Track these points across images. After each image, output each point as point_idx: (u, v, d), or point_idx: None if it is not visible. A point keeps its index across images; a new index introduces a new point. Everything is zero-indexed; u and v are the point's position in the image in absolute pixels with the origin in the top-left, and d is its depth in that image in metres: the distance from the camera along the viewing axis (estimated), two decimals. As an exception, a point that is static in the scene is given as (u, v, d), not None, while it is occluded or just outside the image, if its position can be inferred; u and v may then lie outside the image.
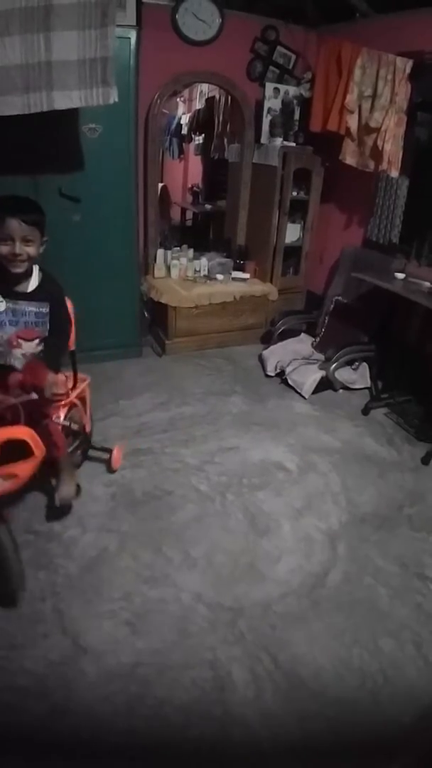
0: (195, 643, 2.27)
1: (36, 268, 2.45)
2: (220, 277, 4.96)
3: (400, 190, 4.33)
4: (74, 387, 2.89)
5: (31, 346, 2.47)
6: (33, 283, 2.43)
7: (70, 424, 2.75)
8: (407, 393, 4.22)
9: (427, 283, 3.98)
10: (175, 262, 4.92)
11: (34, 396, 2.26)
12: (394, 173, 4.16)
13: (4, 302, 2.37)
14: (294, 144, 4.81)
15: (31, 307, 2.42)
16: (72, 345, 2.76)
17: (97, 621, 2.31)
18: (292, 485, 3.29)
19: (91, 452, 3.27)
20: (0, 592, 2.30)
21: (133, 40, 3.69)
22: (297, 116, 4.88)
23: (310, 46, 4.87)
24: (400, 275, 4.14)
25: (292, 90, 4.84)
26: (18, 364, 2.43)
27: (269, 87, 4.77)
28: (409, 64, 3.90)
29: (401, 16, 4.13)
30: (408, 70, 3.92)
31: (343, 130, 4.21)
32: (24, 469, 2.22)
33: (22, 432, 2.22)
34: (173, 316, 4.69)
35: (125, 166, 4.00)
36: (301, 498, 3.18)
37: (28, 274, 2.40)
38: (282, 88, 4.82)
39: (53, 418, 2.53)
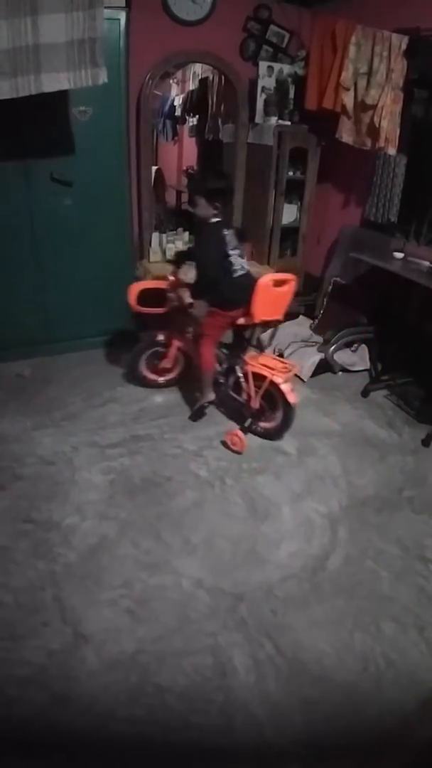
0: (196, 629, 2.26)
1: (211, 221, 3.17)
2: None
3: (398, 168, 4.27)
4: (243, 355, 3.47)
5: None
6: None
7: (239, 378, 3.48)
8: (407, 374, 4.19)
9: (427, 263, 3.94)
10: (170, 245, 4.85)
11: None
12: (392, 151, 4.09)
13: None
14: (289, 123, 4.73)
15: None
16: (254, 318, 3.25)
17: (98, 609, 2.31)
18: (292, 469, 3.28)
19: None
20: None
21: (122, 22, 3.62)
22: (292, 95, 4.79)
23: (304, 24, 4.79)
24: (399, 255, 4.10)
25: (287, 68, 4.76)
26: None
27: (263, 66, 4.69)
28: (405, 40, 3.83)
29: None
30: (404, 47, 3.85)
31: (338, 107, 4.14)
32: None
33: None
34: (170, 300, 4.64)
35: (117, 149, 3.94)
36: (300, 481, 3.17)
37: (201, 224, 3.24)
38: (276, 66, 4.73)
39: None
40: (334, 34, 3.98)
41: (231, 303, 3.25)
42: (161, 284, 3.57)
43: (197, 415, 3.66)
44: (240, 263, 3.27)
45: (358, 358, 4.43)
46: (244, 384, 3.45)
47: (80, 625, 2.23)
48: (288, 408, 3.38)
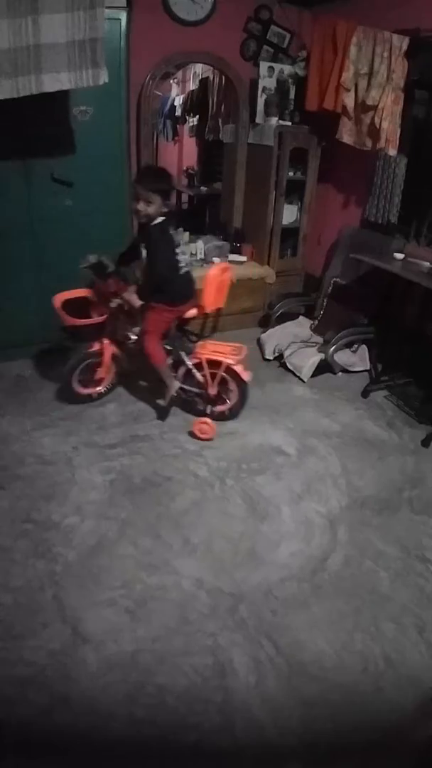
0: (195, 629, 2.26)
1: (157, 220, 3.09)
2: (216, 260, 4.91)
3: (398, 169, 4.27)
4: (197, 345, 3.53)
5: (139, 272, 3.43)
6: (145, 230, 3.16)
7: (191, 368, 3.48)
8: (407, 375, 4.19)
9: (427, 263, 3.93)
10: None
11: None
12: (392, 151, 4.10)
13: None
14: (290, 123, 4.75)
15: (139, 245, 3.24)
16: (206, 308, 3.44)
17: (97, 609, 2.31)
18: (292, 469, 3.28)
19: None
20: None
21: (123, 22, 3.62)
22: (292, 95, 4.81)
23: (305, 25, 4.80)
24: (400, 255, 4.10)
25: (287, 69, 4.77)
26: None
27: (263, 66, 4.70)
28: (406, 41, 3.84)
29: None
30: (404, 48, 3.85)
31: (339, 108, 4.15)
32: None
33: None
34: (170, 300, 4.64)
35: (118, 149, 3.94)
36: (300, 482, 3.17)
37: (147, 224, 3.12)
38: (276, 67, 4.74)
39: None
40: (334, 35, 4.00)
41: (182, 298, 3.32)
42: (85, 293, 3.44)
43: (166, 412, 3.68)
44: (184, 260, 3.34)
45: (358, 359, 4.43)
46: (197, 373, 3.48)
47: (80, 625, 2.23)
48: (243, 387, 3.56)
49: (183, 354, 3.47)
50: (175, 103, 7.17)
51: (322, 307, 4.87)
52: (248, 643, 2.21)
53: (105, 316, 3.44)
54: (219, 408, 3.64)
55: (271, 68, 4.73)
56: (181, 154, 7.92)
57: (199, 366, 3.46)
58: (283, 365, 4.42)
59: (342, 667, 2.14)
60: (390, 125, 4.00)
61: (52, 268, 4.04)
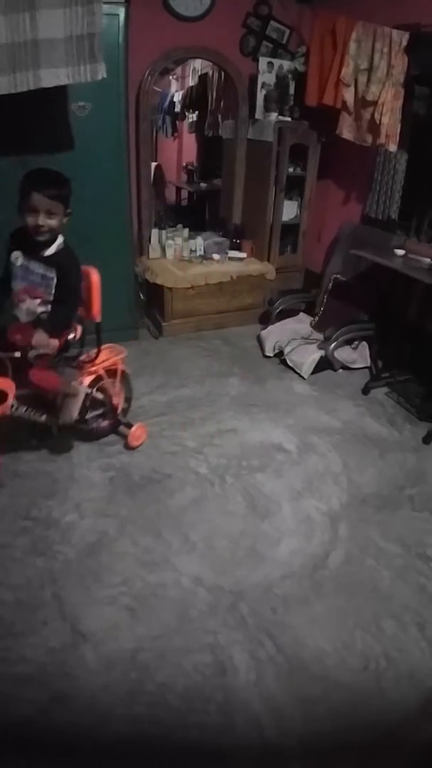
0: (195, 627, 2.25)
1: (60, 238, 2.65)
2: (216, 256, 4.90)
3: (398, 165, 4.25)
4: (95, 358, 3.05)
5: (34, 304, 2.68)
6: (51, 250, 2.62)
7: (91, 392, 3.03)
8: (408, 372, 4.18)
9: (427, 260, 3.92)
10: (170, 242, 4.85)
11: (17, 354, 2.54)
12: (393, 147, 4.09)
13: (21, 258, 2.64)
14: (289, 119, 4.73)
15: (39, 270, 2.62)
16: (97, 317, 2.92)
17: (97, 607, 2.30)
18: (292, 466, 3.27)
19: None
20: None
21: (121, 17, 3.61)
22: (292, 91, 4.79)
23: (304, 21, 4.77)
24: (400, 252, 4.08)
25: (287, 64, 4.75)
26: (22, 317, 2.70)
27: (263, 61, 4.68)
28: (406, 36, 3.82)
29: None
30: (404, 43, 3.84)
31: (339, 104, 4.14)
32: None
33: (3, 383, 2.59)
34: (169, 297, 4.64)
35: (116, 145, 3.92)
36: (301, 479, 3.16)
37: (50, 242, 2.61)
38: (276, 62, 4.72)
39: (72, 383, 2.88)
40: (334, 31, 3.98)
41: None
42: None
43: (75, 428, 3.09)
44: None
45: (358, 356, 4.42)
46: (95, 393, 3.09)
47: (80, 623, 2.22)
48: (126, 378, 3.38)
49: (75, 382, 2.94)
50: (175, 99, 7.16)
51: (322, 303, 4.86)
52: (248, 641, 2.20)
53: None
54: (120, 409, 3.35)
55: (270, 64, 4.71)
56: (180, 150, 7.91)
57: (96, 380, 3.08)
58: (284, 362, 4.41)
59: (343, 666, 2.13)
60: (390, 121, 3.98)
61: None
